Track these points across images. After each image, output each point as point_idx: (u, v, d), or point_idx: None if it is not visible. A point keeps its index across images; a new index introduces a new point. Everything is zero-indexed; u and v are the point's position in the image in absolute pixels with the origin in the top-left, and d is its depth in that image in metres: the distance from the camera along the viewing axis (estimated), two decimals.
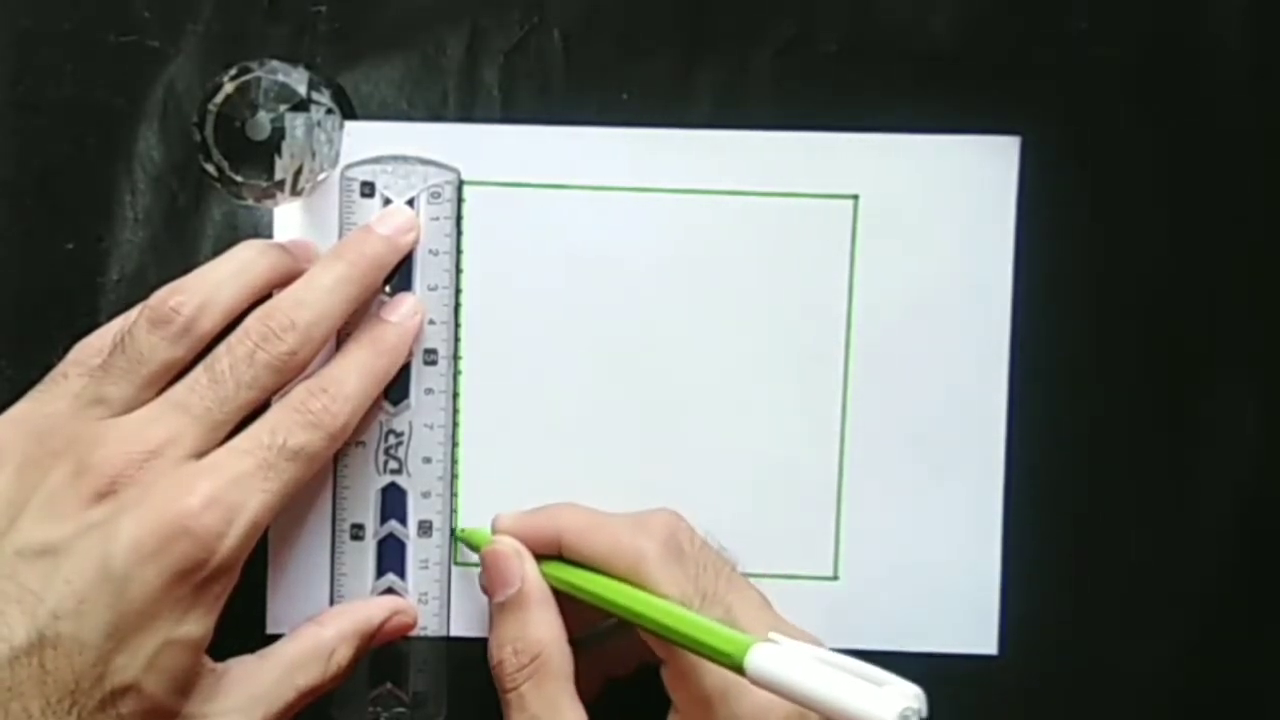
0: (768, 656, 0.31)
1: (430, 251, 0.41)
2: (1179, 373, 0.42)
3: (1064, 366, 0.42)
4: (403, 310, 0.40)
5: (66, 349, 0.38)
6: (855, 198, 0.41)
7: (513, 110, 0.41)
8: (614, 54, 0.42)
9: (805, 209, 0.41)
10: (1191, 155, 0.42)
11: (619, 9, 0.41)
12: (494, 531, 0.39)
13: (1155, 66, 0.42)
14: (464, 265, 0.42)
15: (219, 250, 0.41)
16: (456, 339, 0.42)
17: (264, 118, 0.39)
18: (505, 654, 0.36)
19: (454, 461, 0.42)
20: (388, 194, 0.41)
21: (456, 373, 0.42)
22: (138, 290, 0.41)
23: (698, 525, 0.41)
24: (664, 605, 0.35)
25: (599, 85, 0.41)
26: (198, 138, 0.39)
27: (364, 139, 0.41)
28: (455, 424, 0.42)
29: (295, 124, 0.40)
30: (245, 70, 0.40)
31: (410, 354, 0.41)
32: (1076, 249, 0.42)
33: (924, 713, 0.29)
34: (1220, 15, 0.41)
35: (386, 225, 0.40)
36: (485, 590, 0.39)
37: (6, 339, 0.41)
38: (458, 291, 0.42)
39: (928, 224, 0.41)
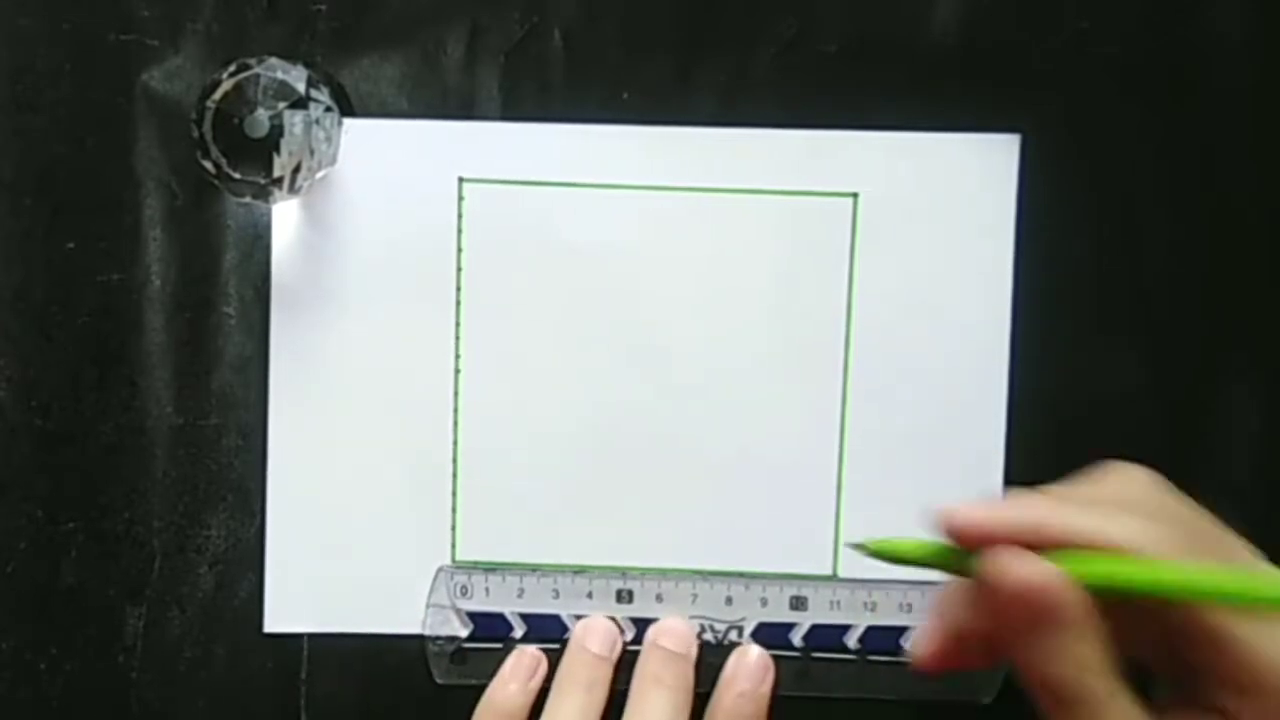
0: None
1: (430, 249, 0.41)
2: (1179, 372, 0.42)
3: (1064, 365, 0.42)
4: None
5: (67, 349, 0.38)
6: (855, 196, 0.41)
7: (513, 109, 0.41)
8: (614, 54, 0.42)
9: (805, 207, 0.41)
10: (1191, 154, 0.42)
11: (619, 9, 0.41)
12: (958, 534, 0.31)
13: (1155, 65, 0.42)
14: (464, 264, 0.42)
15: (219, 249, 0.41)
16: (456, 338, 0.42)
17: (262, 115, 0.39)
18: (1089, 680, 0.30)
19: (454, 460, 0.42)
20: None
21: (456, 371, 0.42)
22: (137, 290, 0.41)
23: (698, 524, 0.41)
24: (1232, 578, 0.30)
25: (599, 85, 0.41)
26: (196, 135, 0.39)
27: (363, 137, 0.41)
28: (455, 423, 0.42)
29: (294, 122, 0.40)
30: (244, 67, 0.40)
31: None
32: (1076, 247, 0.42)
33: None
34: (1220, 14, 0.41)
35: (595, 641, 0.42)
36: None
37: (6, 339, 0.41)
38: (458, 290, 0.42)
39: (928, 222, 0.41)
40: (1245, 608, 0.30)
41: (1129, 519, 0.31)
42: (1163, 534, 0.31)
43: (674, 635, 0.41)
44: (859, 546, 0.33)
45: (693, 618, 0.42)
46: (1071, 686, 0.30)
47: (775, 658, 0.42)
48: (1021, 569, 0.30)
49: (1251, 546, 0.33)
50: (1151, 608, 0.31)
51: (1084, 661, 0.30)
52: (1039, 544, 0.30)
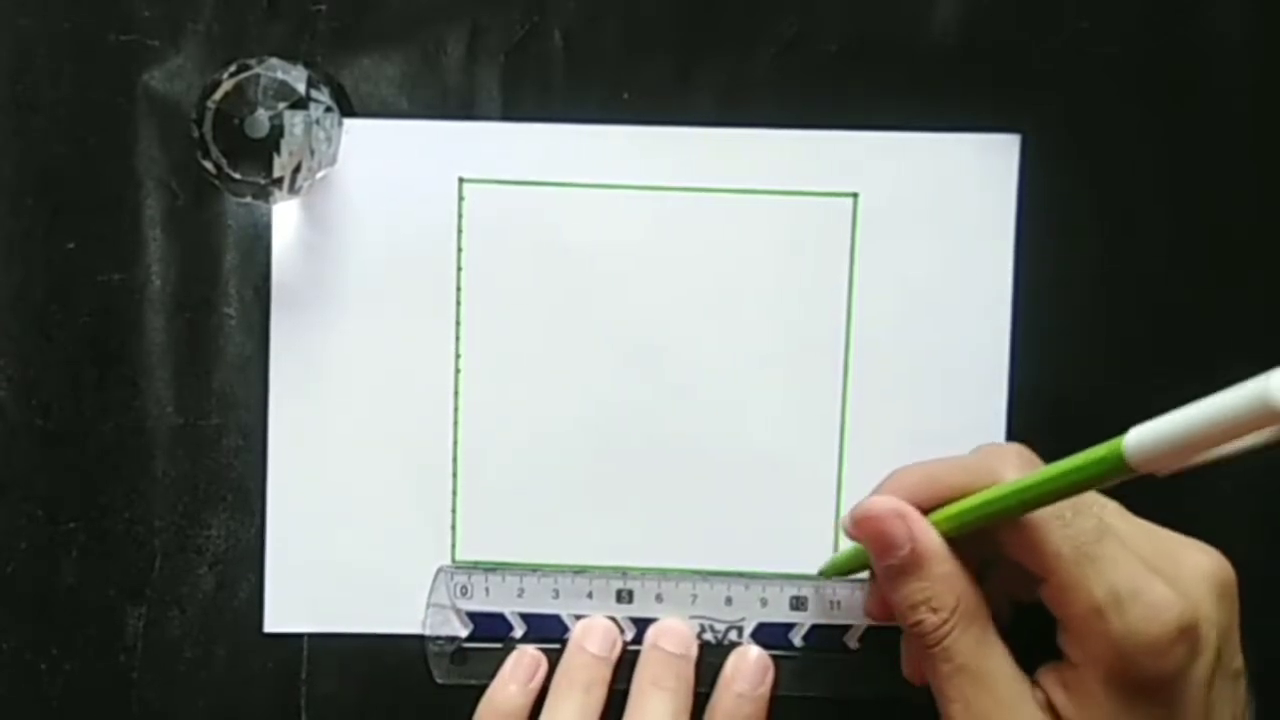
0: (1142, 434, 0.29)
1: (430, 249, 0.41)
2: (1179, 372, 0.42)
3: (1064, 365, 0.42)
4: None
5: (67, 349, 0.38)
6: (855, 196, 0.41)
7: (513, 110, 0.41)
8: (614, 54, 0.42)
9: (805, 207, 0.41)
10: (1192, 154, 0.42)
11: (619, 9, 0.41)
12: (856, 525, 0.36)
13: (1155, 65, 0.42)
14: (464, 264, 0.42)
15: (219, 249, 0.41)
16: (456, 338, 0.42)
17: (262, 115, 0.39)
18: (922, 614, 0.35)
19: (454, 459, 0.42)
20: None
21: (456, 371, 0.42)
22: (138, 290, 0.41)
23: (698, 524, 0.41)
24: (1036, 475, 0.33)
25: (599, 85, 0.41)
26: (196, 135, 0.39)
27: (363, 137, 0.41)
28: (455, 422, 0.42)
29: (294, 122, 0.40)
30: (244, 67, 0.40)
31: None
32: (1076, 247, 0.42)
33: None
34: (1220, 14, 0.41)
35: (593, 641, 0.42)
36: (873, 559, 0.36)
37: (6, 339, 0.41)
38: (458, 290, 0.42)
39: (928, 222, 0.41)
40: (1065, 493, 0.32)
41: (980, 460, 0.35)
42: (1009, 463, 0.35)
43: (674, 636, 0.41)
44: (820, 575, 0.41)
45: (693, 618, 0.42)
46: (911, 618, 0.35)
47: (775, 658, 0.42)
48: (859, 505, 0.36)
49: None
50: (1027, 567, 0.34)
51: (922, 597, 0.34)
52: (924, 506, 0.35)
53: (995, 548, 0.35)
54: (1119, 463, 0.29)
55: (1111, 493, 0.33)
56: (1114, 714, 0.33)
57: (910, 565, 0.35)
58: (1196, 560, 0.34)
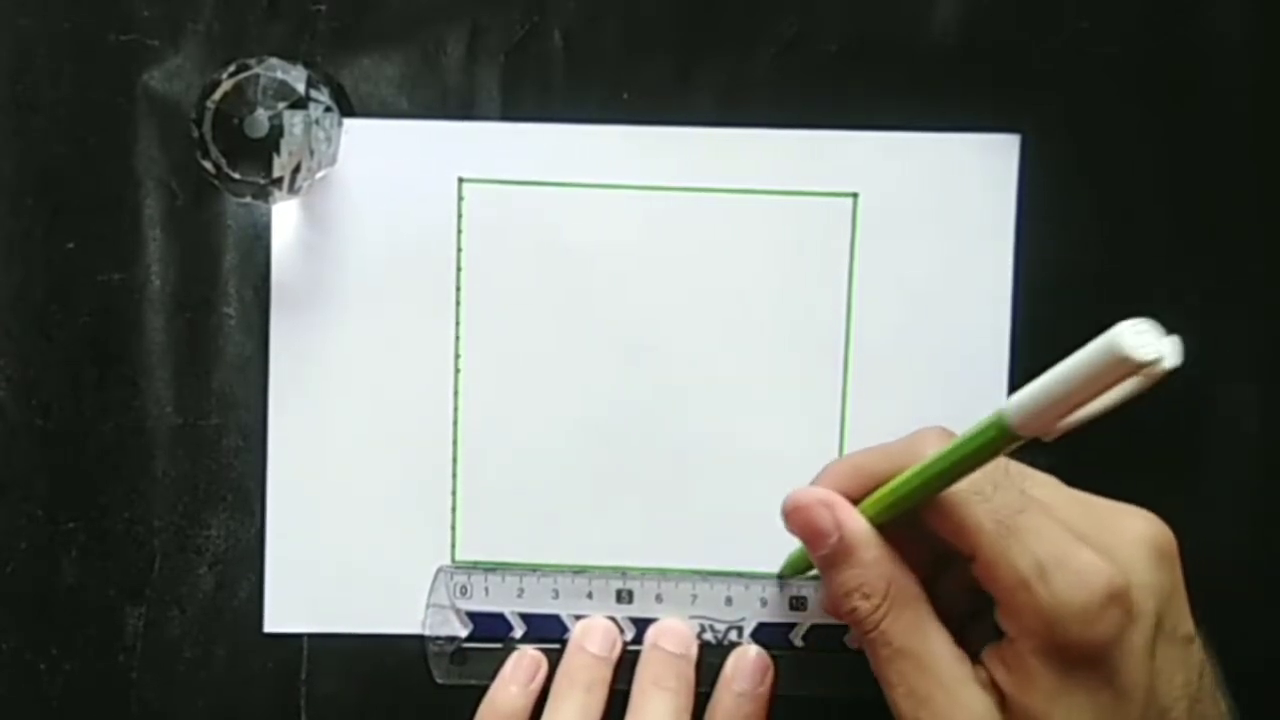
0: (1018, 398, 0.29)
1: (430, 249, 0.41)
2: (1179, 372, 0.42)
3: None
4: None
5: (67, 349, 0.38)
6: (855, 196, 0.41)
7: (513, 110, 0.41)
8: (614, 54, 0.42)
9: (805, 207, 0.41)
10: (1191, 154, 0.42)
11: (619, 9, 0.41)
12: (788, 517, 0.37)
13: (1155, 65, 0.42)
14: (464, 264, 0.42)
15: (219, 249, 0.41)
16: (456, 338, 0.42)
17: (262, 115, 0.39)
18: (855, 601, 0.35)
19: (454, 460, 0.42)
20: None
21: (456, 371, 0.42)
22: (138, 290, 0.41)
23: (698, 524, 0.41)
24: (939, 451, 0.33)
25: (599, 85, 0.41)
26: (196, 135, 0.39)
27: (363, 137, 0.41)
28: (455, 422, 0.42)
29: (293, 122, 0.40)
30: (244, 67, 0.40)
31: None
32: (1076, 247, 0.42)
33: (1173, 360, 0.28)
34: (1220, 14, 0.41)
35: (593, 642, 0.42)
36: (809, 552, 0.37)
37: (7, 339, 0.41)
38: (458, 290, 0.42)
39: (928, 222, 0.41)
40: (967, 465, 0.32)
41: (902, 445, 0.35)
42: (928, 442, 0.34)
43: (674, 636, 0.41)
44: (779, 577, 0.42)
45: (693, 618, 0.42)
46: (845, 605, 0.35)
47: (775, 658, 0.42)
48: (788, 498, 0.36)
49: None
50: (956, 546, 0.34)
51: (854, 584, 0.35)
52: (854, 496, 0.36)
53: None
54: (1005, 428, 0.30)
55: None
56: (1052, 687, 0.32)
57: (840, 553, 0.35)
58: (1131, 525, 0.34)
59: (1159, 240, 0.42)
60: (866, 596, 0.34)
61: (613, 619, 0.42)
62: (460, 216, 0.41)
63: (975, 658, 0.34)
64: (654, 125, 0.41)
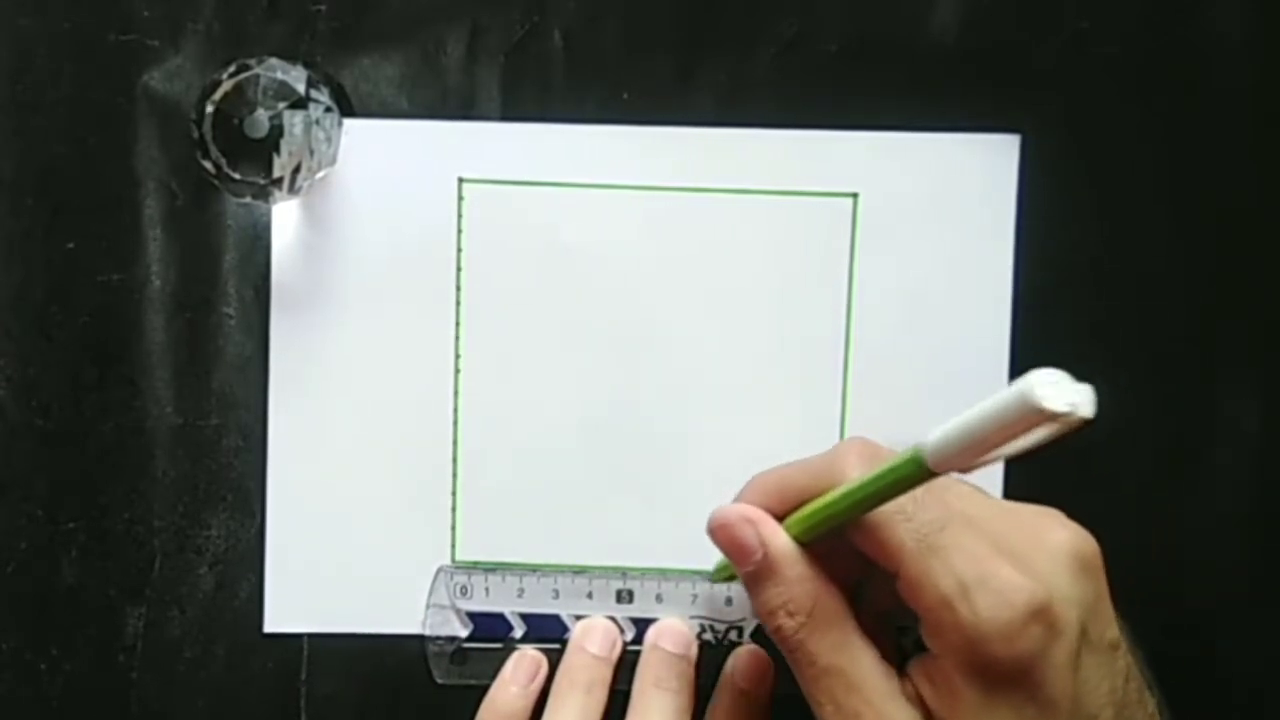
0: (936, 437, 0.29)
1: (430, 249, 0.41)
2: (1179, 372, 0.42)
3: (1064, 365, 0.42)
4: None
5: (67, 349, 0.38)
6: (855, 196, 0.41)
7: (513, 110, 0.41)
8: (614, 54, 0.42)
9: (805, 207, 0.41)
10: (1191, 154, 0.42)
11: (619, 9, 0.41)
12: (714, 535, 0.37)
13: (1155, 65, 0.42)
14: (464, 264, 0.42)
15: (219, 249, 0.41)
16: (456, 338, 0.42)
17: (262, 115, 0.39)
18: (780, 619, 0.35)
19: (454, 460, 0.42)
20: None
21: (456, 371, 0.42)
22: (138, 290, 0.41)
23: (698, 524, 0.41)
24: (859, 481, 0.33)
25: (599, 85, 0.41)
26: (195, 135, 0.39)
27: (363, 137, 0.41)
28: (455, 422, 0.42)
29: (294, 122, 0.40)
30: (244, 67, 0.40)
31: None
32: (1076, 247, 0.42)
33: (1086, 410, 0.27)
34: (1220, 14, 0.41)
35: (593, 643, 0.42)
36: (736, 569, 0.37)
37: (7, 339, 0.41)
38: (458, 290, 0.42)
39: (928, 222, 0.41)
40: (886, 494, 0.32)
41: (822, 463, 0.35)
42: (849, 461, 0.34)
43: (674, 636, 0.41)
44: (710, 579, 0.42)
45: (693, 618, 0.42)
46: (771, 623, 0.35)
47: (775, 658, 0.41)
48: (713, 515, 0.36)
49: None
50: (881, 564, 0.34)
51: (778, 601, 0.35)
52: (778, 512, 0.36)
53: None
54: (922, 465, 0.30)
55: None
56: (977, 703, 0.32)
57: (764, 571, 0.35)
58: (1053, 536, 0.34)
59: (1159, 240, 0.42)
60: (791, 614, 0.34)
61: (613, 619, 0.42)
62: (460, 216, 0.41)
63: (904, 668, 0.34)
64: (654, 125, 0.41)
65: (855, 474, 0.34)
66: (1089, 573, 0.34)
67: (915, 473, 0.30)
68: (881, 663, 0.34)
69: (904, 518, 0.33)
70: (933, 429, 0.30)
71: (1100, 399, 0.42)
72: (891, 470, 0.31)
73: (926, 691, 0.33)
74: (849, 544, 0.34)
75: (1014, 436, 0.28)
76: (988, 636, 0.31)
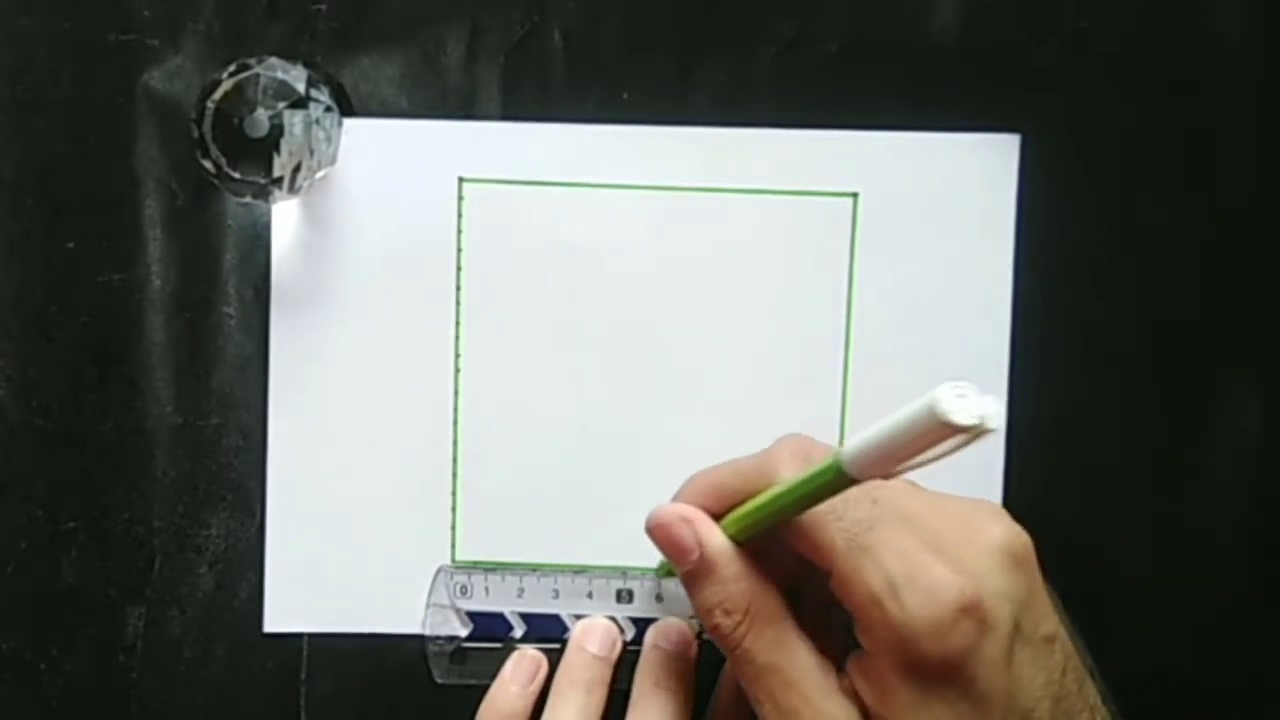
0: (853, 446, 0.30)
1: (430, 249, 0.41)
2: (1180, 372, 0.42)
3: (1064, 365, 0.42)
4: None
5: (67, 349, 0.38)
6: (855, 195, 0.41)
7: (513, 109, 0.41)
8: (614, 54, 0.42)
9: (805, 206, 0.41)
10: (1192, 154, 0.42)
11: (619, 9, 0.41)
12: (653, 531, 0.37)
13: (1155, 65, 0.42)
14: (464, 264, 0.42)
15: (219, 249, 0.41)
16: (456, 338, 0.42)
17: (262, 115, 0.39)
18: (717, 618, 0.35)
19: (454, 460, 0.42)
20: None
21: (456, 371, 0.42)
22: (138, 290, 0.41)
23: None
24: (784, 485, 0.34)
25: (599, 85, 0.41)
26: (196, 135, 0.39)
27: (363, 137, 0.41)
28: (455, 422, 0.42)
29: (294, 121, 0.40)
30: (244, 67, 0.40)
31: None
32: (1076, 247, 0.42)
33: (994, 422, 0.27)
34: (1220, 14, 0.41)
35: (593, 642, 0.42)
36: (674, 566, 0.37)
37: (7, 339, 0.41)
38: (458, 290, 0.42)
39: (928, 222, 0.41)
40: (809, 499, 0.32)
41: (756, 463, 0.36)
42: (781, 461, 0.35)
43: (673, 636, 0.41)
44: (655, 574, 0.42)
45: (692, 618, 0.42)
46: (709, 623, 0.35)
47: None
48: (650, 514, 0.36)
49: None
50: (815, 564, 0.34)
51: (715, 600, 0.35)
52: (716, 511, 0.36)
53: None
54: (842, 472, 0.30)
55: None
56: (911, 700, 0.32)
57: (701, 570, 0.35)
58: (985, 530, 0.34)
59: (1159, 240, 0.42)
60: (727, 613, 0.35)
61: (613, 619, 0.42)
62: (460, 216, 0.41)
63: (843, 665, 0.34)
64: (654, 125, 0.41)
65: (787, 474, 0.34)
66: (1021, 567, 0.34)
67: (836, 479, 0.31)
68: (819, 659, 0.34)
69: (834, 517, 0.33)
70: (851, 437, 0.30)
71: (1100, 399, 0.42)
72: (815, 476, 0.32)
73: (862, 688, 0.33)
74: (788, 542, 0.35)
75: (926, 447, 0.28)
76: (917, 634, 0.32)
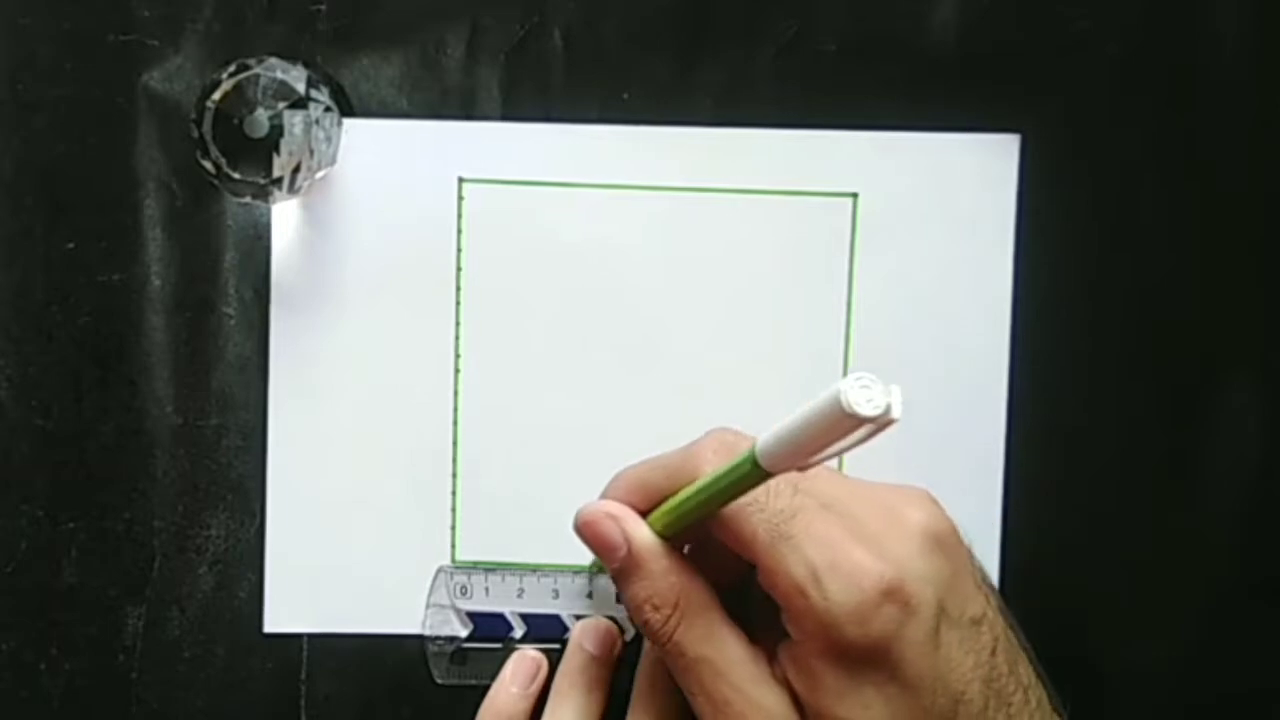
0: (765, 440, 0.30)
1: (430, 249, 0.41)
2: (1179, 372, 0.42)
3: (1064, 365, 0.42)
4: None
5: (67, 349, 0.38)
6: (855, 196, 0.41)
7: (513, 110, 0.41)
8: (614, 54, 0.42)
9: (805, 207, 0.41)
10: (1191, 154, 0.42)
11: (619, 9, 0.41)
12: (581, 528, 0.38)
13: (1155, 65, 0.42)
14: (464, 264, 0.42)
15: (219, 249, 0.41)
16: (456, 338, 0.42)
17: (262, 115, 0.39)
18: (647, 613, 0.35)
19: (454, 460, 0.42)
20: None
21: (456, 371, 0.42)
22: (137, 290, 0.41)
23: None
24: (701, 481, 0.34)
25: (599, 85, 0.41)
26: (196, 135, 0.39)
27: (363, 137, 0.41)
28: (455, 422, 0.42)
29: (293, 122, 0.40)
30: (244, 67, 0.40)
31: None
32: (1076, 247, 0.42)
33: (897, 411, 0.28)
34: (1220, 14, 0.41)
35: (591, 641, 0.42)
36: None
37: (6, 339, 0.41)
38: (458, 290, 0.42)
39: (928, 222, 0.41)
40: (728, 493, 0.33)
41: (679, 459, 0.36)
42: (704, 456, 0.35)
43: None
44: (589, 570, 0.42)
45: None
46: (639, 618, 0.35)
47: None
48: (578, 512, 0.37)
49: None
50: (742, 556, 0.34)
51: (644, 595, 0.35)
52: (643, 507, 0.36)
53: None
54: (757, 465, 0.31)
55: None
56: (839, 687, 0.33)
57: (629, 566, 0.36)
58: (908, 515, 0.34)
59: (1159, 240, 0.42)
60: (657, 608, 0.35)
61: (613, 619, 0.42)
62: (460, 216, 0.41)
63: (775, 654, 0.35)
64: (654, 125, 0.41)
65: (710, 469, 0.34)
66: (944, 550, 0.34)
67: (753, 472, 0.31)
68: (750, 649, 0.35)
69: (757, 508, 0.33)
70: (764, 431, 0.30)
71: (1100, 399, 0.42)
72: (732, 470, 0.32)
73: (793, 676, 0.34)
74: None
75: (835, 438, 0.29)
76: (840, 620, 0.32)
